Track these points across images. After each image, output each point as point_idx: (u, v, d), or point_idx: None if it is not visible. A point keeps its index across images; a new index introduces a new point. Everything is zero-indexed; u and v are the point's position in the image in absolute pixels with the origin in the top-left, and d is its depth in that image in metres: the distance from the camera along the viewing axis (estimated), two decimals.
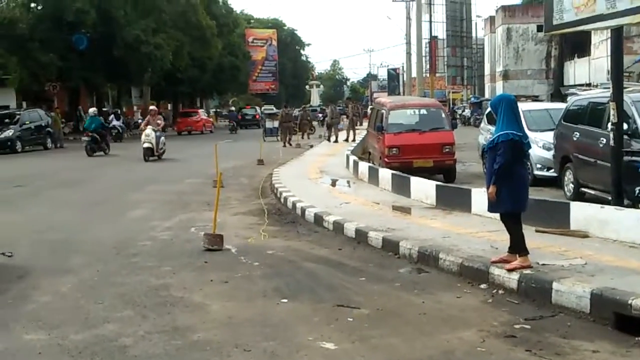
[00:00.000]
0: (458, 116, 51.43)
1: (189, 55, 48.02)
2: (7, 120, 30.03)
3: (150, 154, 22.66)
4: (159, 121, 23.60)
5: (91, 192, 15.25)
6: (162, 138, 23.66)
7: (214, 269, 7.62)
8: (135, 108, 57.35)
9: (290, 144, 29.69)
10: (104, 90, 50.58)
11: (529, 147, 7.02)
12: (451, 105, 59.81)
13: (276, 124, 33.31)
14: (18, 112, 31.88)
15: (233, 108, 60.01)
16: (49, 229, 10.45)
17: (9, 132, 29.08)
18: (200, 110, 55.74)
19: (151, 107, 25.95)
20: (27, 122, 30.37)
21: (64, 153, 28.80)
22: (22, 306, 6.24)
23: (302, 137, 33.04)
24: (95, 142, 26.13)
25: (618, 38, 8.38)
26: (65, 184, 16.89)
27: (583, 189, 11.25)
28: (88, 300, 6.42)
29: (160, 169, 20.69)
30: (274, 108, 45.11)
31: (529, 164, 13.86)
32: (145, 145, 22.65)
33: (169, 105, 65.30)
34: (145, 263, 8.01)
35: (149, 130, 22.72)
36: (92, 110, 30.09)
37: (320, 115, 50.52)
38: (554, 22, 8.68)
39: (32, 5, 40.82)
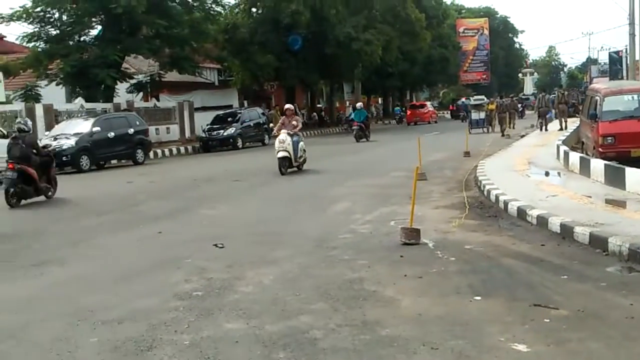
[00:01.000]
0: None
1: (398, 49, 48.46)
2: (230, 119, 32.32)
3: (288, 165, 17.93)
4: (294, 122, 18.68)
5: (298, 187, 15.86)
6: (301, 143, 18.46)
7: (409, 264, 7.59)
8: (347, 103, 58.91)
9: (508, 135, 29.06)
10: (318, 87, 52.52)
11: None
12: None
13: (482, 115, 32.97)
14: (239, 111, 34.16)
15: (464, 99, 59.77)
16: (257, 222, 11.03)
17: (231, 130, 31.25)
18: (427, 103, 57.27)
19: (287, 106, 19.95)
20: (247, 120, 32.45)
21: None
22: (227, 296, 6.64)
23: (510, 127, 32.28)
24: (361, 130, 31.88)
25: None
26: (276, 179, 17.68)
27: None
28: (286, 291, 6.68)
29: (365, 162, 21.07)
30: (485, 98, 44.03)
31: None
32: (281, 154, 17.62)
33: (380, 99, 66.29)
34: (342, 256, 8.18)
35: (283, 135, 17.73)
36: (359, 104, 35.12)
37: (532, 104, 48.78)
38: None
39: (253, 10, 43.46)
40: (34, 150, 14.52)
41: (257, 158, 25.20)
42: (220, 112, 34.36)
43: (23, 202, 14.10)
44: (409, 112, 54.11)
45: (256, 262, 8.03)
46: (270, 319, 5.79)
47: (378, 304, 6.14)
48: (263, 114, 34.95)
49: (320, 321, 5.68)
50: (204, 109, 37.38)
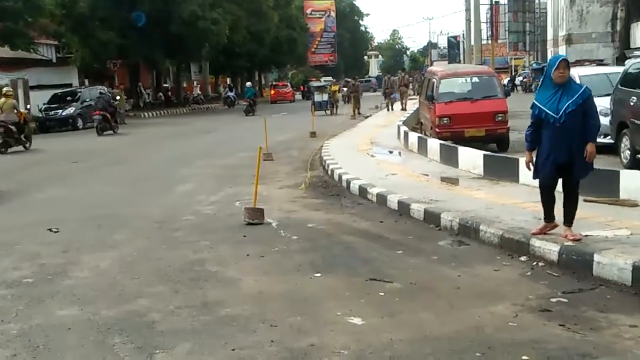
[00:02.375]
0: (519, 83, 50.31)
1: (246, 29, 48.14)
2: (69, 98, 30.79)
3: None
4: None
5: (144, 168, 15.50)
6: None
7: (252, 243, 7.61)
8: (194, 83, 57.96)
9: (360, 113, 29.93)
10: (164, 67, 51.22)
11: None
12: (513, 72, 58.56)
13: (325, 97, 33.27)
14: (79, 90, 32.62)
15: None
16: (98, 205, 10.64)
17: (70, 110, 29.80)
18: (288, 84, 60.77)
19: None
20: (88, 100, 31.02)
21: (124, 129, 29.28)
22: (60, 282, 6.35)
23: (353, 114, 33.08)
24: (250, 106, 35.17)
25: None
26: (120, 159, 17.20)
27: None
28: (124, 275, 6.49)
29: (213, 143, 20.88)
30: (332, 79, 44.89)
31: None
32: None
33: (228, 79, 65.74)
34: (185, 238, 8.07)
35: None
36: (249, 83, 40.15)
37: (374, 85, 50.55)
38: None
39: None
40: None
41: (99, 138, 24.24)
42: (59, 90, 32.62)
43: None
44: (272, 92, 56.77)
45: (94, 246, 7.75)
46: (106, 304, 5.60)
47: (219, 285, 6.11)
48: (104, 93, 33.46)
49: (159, 304, 5.57)
50: (41, 87, 35.27)
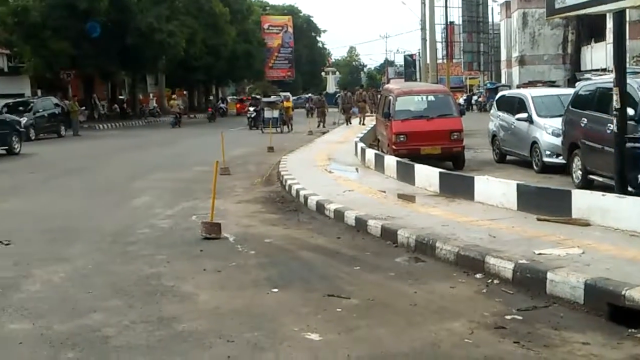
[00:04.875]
0: (474, 102, 51.09)
1: (202, 43, 48.03)
2: (21, 108, 30.14)
3: None
4: None
5: (99, 180, 15.28)
6: None
7: (209, 258, 7.56)
8: (150, 95, 57.44)
9: (324, 127, 30.38)
10: (119, 78, 50.70)
11: None
12: (468, 92, 59.41)
13: (276, 113, 30.94)
14: (32, 100, 32.03)
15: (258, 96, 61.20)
16: (52, 217, 10.45)
17: (22, 120, 29.16)
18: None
19: None
20: (40, 110, 30.49)
21: (79, 141, 28.89)
22: (11, 295, 6.21)
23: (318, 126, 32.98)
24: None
25: (620, 22, 8.16)
26: (74, 171, 16.91)
27: (591, 176, 11.08)
28: (78, 289, 6.39)
29: (170, 156, 20.70)
30: (290, 95, 44.82)
31: (537, 150, 13.76)
32: None
33: (185, 92, 65.33)
34: (140, 252, 7.98)
35: None
36: None
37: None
38: (556, 6, 8.48)
39: None
40: None
41: (51, 150, 23.82)
42: (10, 100, 31.96)
43: None
44: (237, 105, 58.60)
45: (46, 259, 7.60)
46: (59, 318, 5.50)
47: (175, 299, 6.05)
48: (58, 104, 32.98)
49: (113, 318, 5.49)
50: None
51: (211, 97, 66.87)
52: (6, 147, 22.00)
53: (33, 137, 28.99)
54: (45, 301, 6.01)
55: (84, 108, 39.32)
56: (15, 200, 12.34)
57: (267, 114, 31.08)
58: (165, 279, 6.71)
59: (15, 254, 7.90)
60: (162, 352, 4.77)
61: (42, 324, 5.38)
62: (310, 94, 56.70)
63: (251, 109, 35.40)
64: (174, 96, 50.97)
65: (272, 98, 34.83)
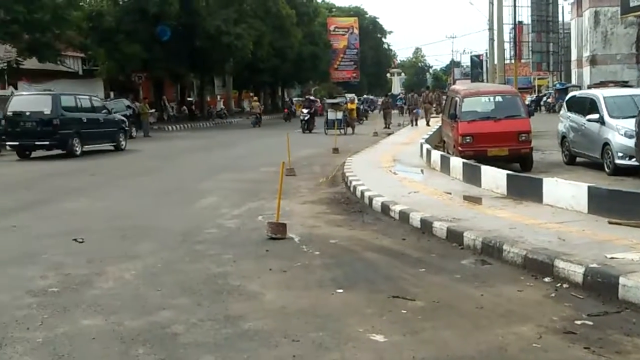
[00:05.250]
0: (543, 103, 50.09)
1: (269, 45, 48.55)
2: None
3: None
4: None
5: (166, 180, 15.60)
6: None
7: (275, 258, 7.63)
8: (218, 97, 58.40)
9: (390, 128, 30.42)
10: (188, 80, 51.70)
11: None
12: (537, 92, 58.26)
13: (339, 115, 30.55)
14: (105, 103, 32.92)
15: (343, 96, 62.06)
16: (122, 216, 10.72)
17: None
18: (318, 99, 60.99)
19: None
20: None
21: (148, 142, 29.57)
22: (85, 292, 6.41)
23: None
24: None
25: None
26: (144, 172, 17.34)
27: None
28: (148, 287, 6.54)
29: (235, 157, 20.99)
30: (355, 97, 44.82)
31: (609, 152, 13.39)
32: None
33: (251, 94, 66.27)
34: (208, 251, 8.11)
35: None
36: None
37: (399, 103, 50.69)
38: (631, 4, 8.24)
39: None
40: None
41: (124, 151, 24.48)
42: None
43: None
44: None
45: (118, 257, 7.80)
46: (130, 315, 5.65)
47: (241, 298, 6.13)
48: (129, 106, 33.92)
49: (182, 316, 5.60)
50: None
51: (286, 99, 67.99)
52: (114, 144, 24.28)
53: None
54: (117, 298, 6.17)
55: (154, 110, 40.29)
56: (86, 200, 12.70)
57: (331, 115, 30.76)
58: (232, 278, 6.80)
59: (88, 251, 8.14)
60: (228, 350, 4.85)
61: (114, 320, 5.54)
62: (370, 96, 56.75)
63: (304, 110, 34.39)
64: (254, 98, 52.42)
65: (337, 99, 34.46)
